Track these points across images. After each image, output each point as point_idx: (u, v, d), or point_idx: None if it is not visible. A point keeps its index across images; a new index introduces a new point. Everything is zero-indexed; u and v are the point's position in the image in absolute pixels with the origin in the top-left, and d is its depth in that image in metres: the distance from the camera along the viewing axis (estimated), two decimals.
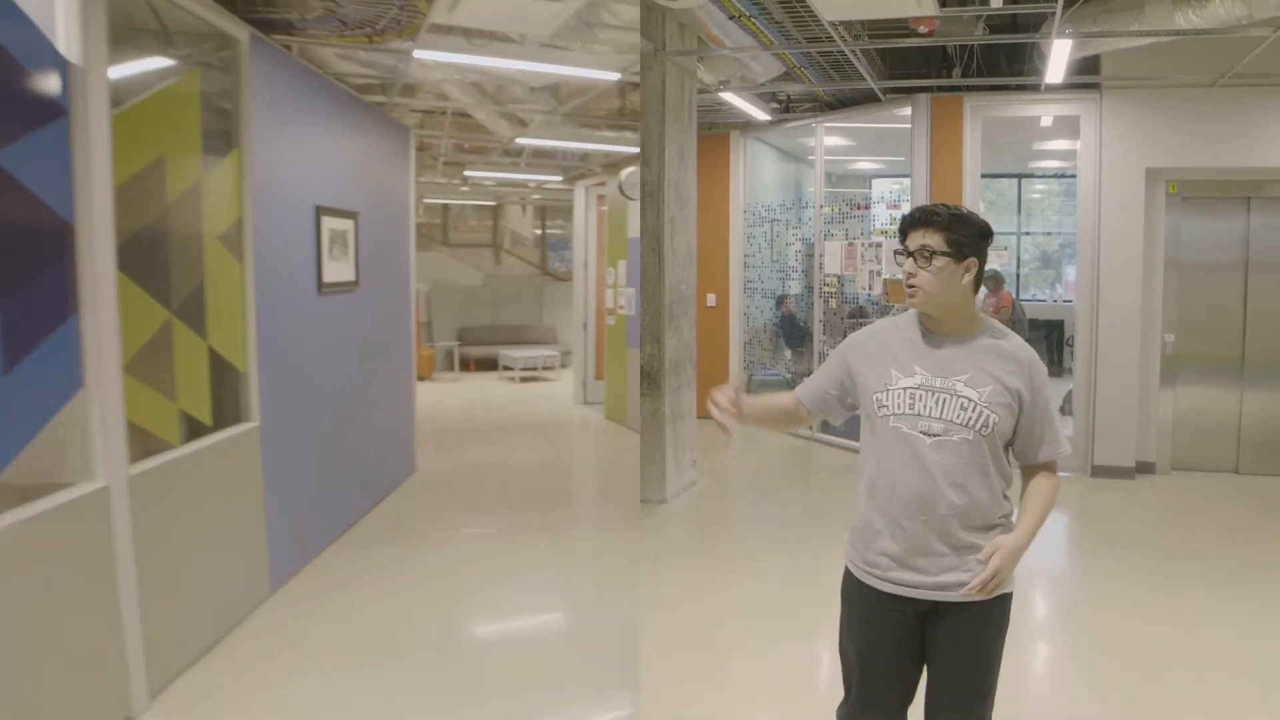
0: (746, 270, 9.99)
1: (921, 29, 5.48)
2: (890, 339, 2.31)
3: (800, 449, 8.55)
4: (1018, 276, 13.34)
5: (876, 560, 2.25)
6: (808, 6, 5.24)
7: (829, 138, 9.23)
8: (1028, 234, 13.72)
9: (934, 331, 2.26)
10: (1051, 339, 12.26)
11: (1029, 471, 2.31)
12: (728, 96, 7.82)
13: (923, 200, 7.60)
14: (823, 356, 8.90)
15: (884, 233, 8.50)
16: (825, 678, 3.82)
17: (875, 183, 12.16)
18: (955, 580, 2.18)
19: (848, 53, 6.17)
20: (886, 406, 2.22)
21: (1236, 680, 3.77)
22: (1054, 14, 5.21)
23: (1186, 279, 7.32)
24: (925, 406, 2.19)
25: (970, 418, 2.17)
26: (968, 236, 2.20)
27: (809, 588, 4.82)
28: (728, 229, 9.73)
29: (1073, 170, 10.96)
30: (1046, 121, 8.42)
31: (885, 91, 7.59)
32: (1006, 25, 6.71)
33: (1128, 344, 7.19)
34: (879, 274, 8.45)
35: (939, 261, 2.19)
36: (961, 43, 6.86)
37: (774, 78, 7.61)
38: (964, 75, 7.38)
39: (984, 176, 8.27)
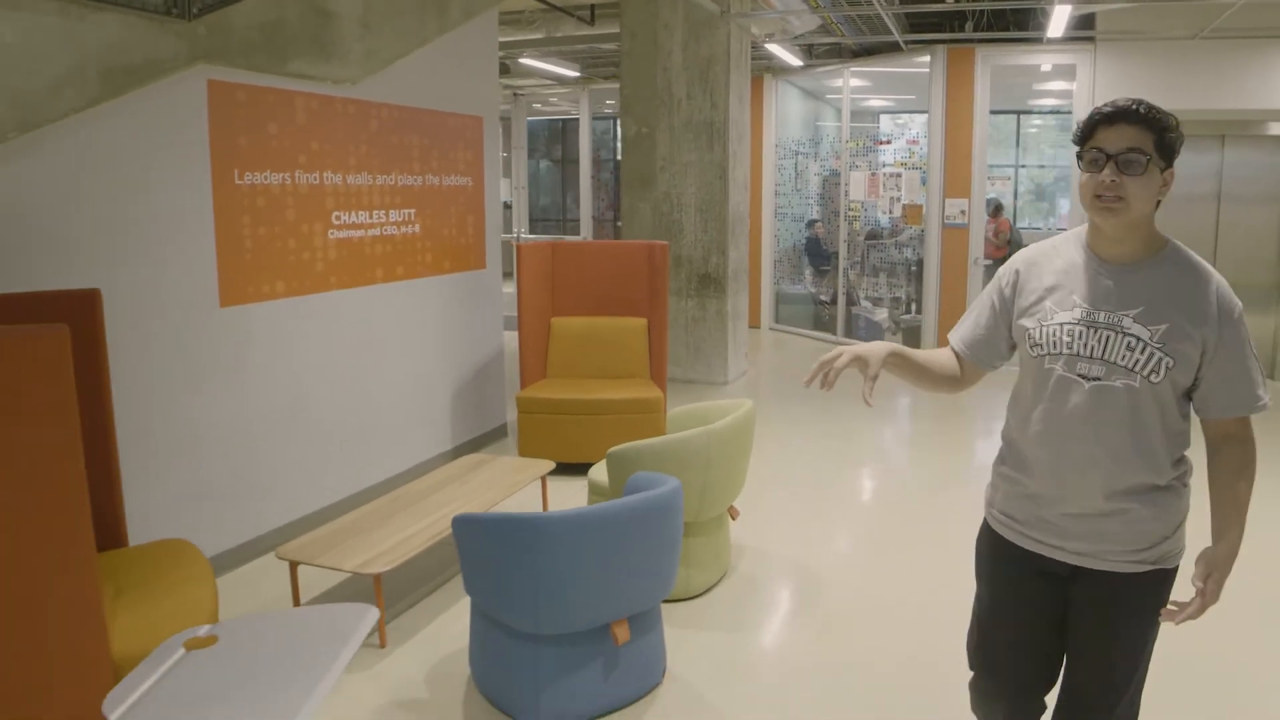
0: (777, 198, 11.13)
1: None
2: (1047, 264, 1.97)
3: (826, 350, 9.82)
4: (1015, 206, 14.50)
5: (1020, 515, 2.00)
6: None
7: (840, 80, 10.32)
8: (1024, 167, 14.84)
9: (1102, 255, 1.90)
10: None
11: (1212, 429, 1.91)
12: (771, 47, 8.90)
13: (940, 138, 8.77)
14: (845, 274, 10.17)
15: (903, 164, 9.67)
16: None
17: (882, 118, 13.30)
18: (1103, 548, 1.91)
19: (884, 15, 7.25)
20: (1040, 345, 1.92)
21: None
22: None
23: (1166, 208, 8.45)
24: (1086, 345, 1.87)
25: (1137, 360, 1.83)
26: (1177, 140, 1.83)
27: (833, 436, 6.55)
28: (761, 161, 10.83)
29: (1067, 107, 12.10)
30: (1046, 68, 9.52)
31: (907, 43, 8.68)
32: None
33: None
34: (899, 200, 9.67)
35: (1150, 168, 1.80)
36: (976, 8, 7.95)
37: (811, 30, 8.72)
38: (976, 29, 8.48)
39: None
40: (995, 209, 11.02)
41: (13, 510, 2.13)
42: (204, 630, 2.09)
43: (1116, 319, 1.85)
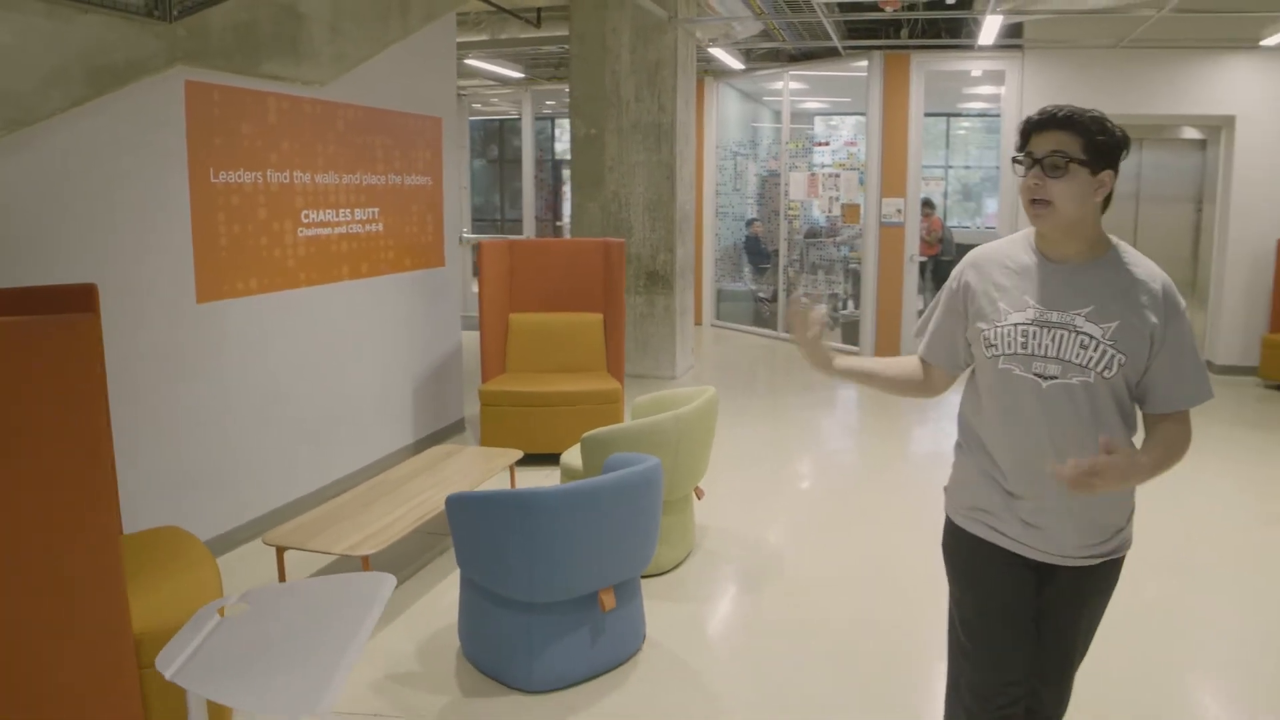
0: (718, 197, 11.41)
1: (887, 8, 6.91)
2: (998, 266, 2.02)
3: (766, 346, 10.16)
4: (945, 205, 15.03)
5: (985, 512, 2.04)
6: None
7: (779, 83, 10.63)
8: (952, 167, 15.39)
9: (1051, 256, 1.96)
10: None
11: (1155, 421, 1.97)
12: (714, 50, 9.17)
13: (877, 140, 9.13)
14: (786, 271, 10.49)
15: (841, 165, 10.02)
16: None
17: (816, 120, 13.71)
18: (1067, 544, 1.97)
19: (825, 22, 7.55)
20: (995, 345, 1.96)
21: None
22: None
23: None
24: (1040, 345, 1.92)
25: (1091, 357, 1.88)
26: (1108, 145, 1.89)
27: (779, 424, 6.83)
28: (702, 161, 11.10)
29: (994, 110, 12.61)
30: (977, 73, 9.95)
31: (845, 49, 9.02)
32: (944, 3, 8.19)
33: None
34: (838, 199, 10.02)
35: (1074, 171, 1.87)
36: (912, 17, 8.32)
37: (753, 35, 9.01)
38: (911, 37, 8.86)
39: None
40: (926, 207, 11.46)
41: (45, 491, 2.25)
42: (234, 599, 2.24)
43: (1069, 318, 1.91)
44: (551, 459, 5.32)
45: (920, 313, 9.21)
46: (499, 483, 5.08)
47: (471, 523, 3.02)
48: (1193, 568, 4.20)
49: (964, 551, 2.11)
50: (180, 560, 2.99)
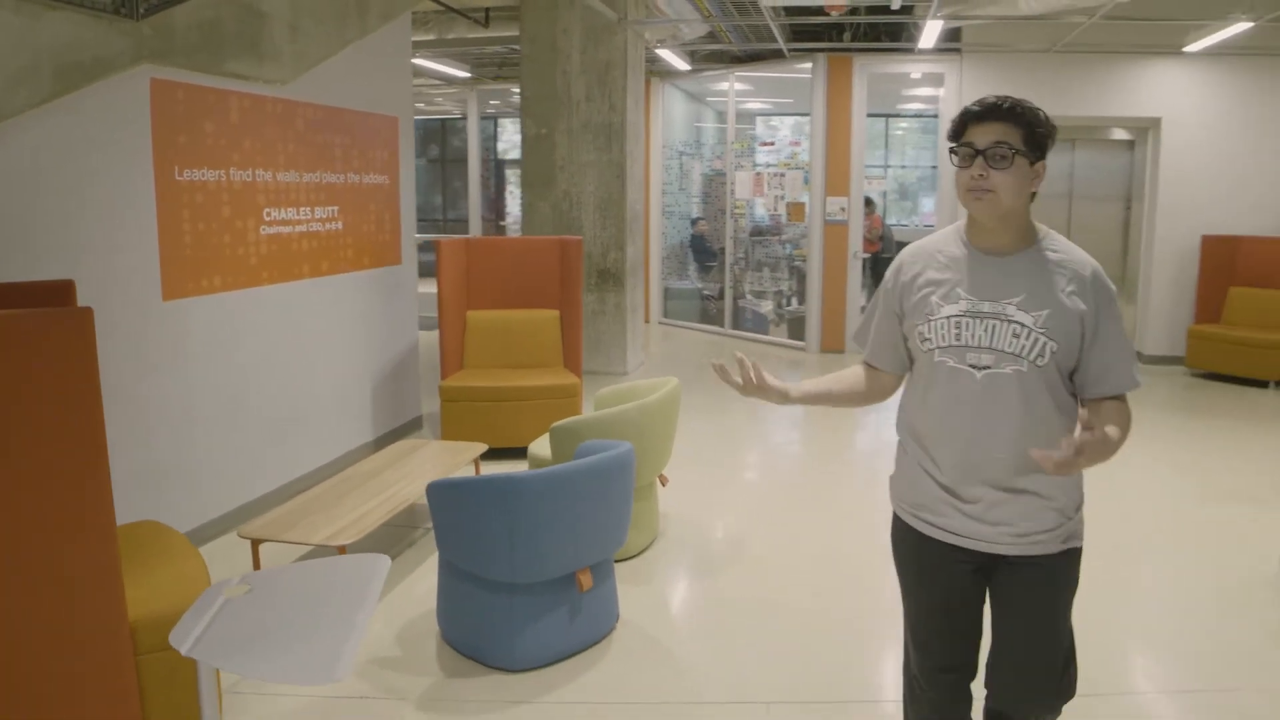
0: (664, 196, 11.57)
1: (832, 12, 7.12)
2: (929, 261, 2.04)
3: (713, 342, 10.35)
4: (884, 203, 15.39)
5: (927, 505, 2.05)
6: None
7: (726, 84, 10.83)
8: (890, 167, 15.76)
9: (981, 247, 1.98)
10: None
11: (1097, 404, 1.97)
12: (661, 52, 9.32)
13: (821, 140, 9.37)
14: (732, 269, 10.69)
15: (786, 165, 10.25)
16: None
17: (757, 120, 13.96)
18: (1015, 531, 1.97)
19: (772, 25, 7.75)
20: (930, 339, 1.98)
21: None
22: (930, 4, 6.95)
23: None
24: (973, 335, 1.93)
25: (1024, 346, 1.90)
26: (1044, 135, 1.92)
27: (726, 413, 6.94)
28: (649, 161, 11.24)
29: (932, 111, 12.96)
30: (916, 75, 10.25)
31: (790, 51, 9.24)
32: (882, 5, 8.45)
33: None
34: (782, 198, 10.24)
35: (1017, 161, 1.89)
36: (855, 21, 8.57)
37: (700, 37, 9.18)
38: (854, 40, 9.11)
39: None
40: (866, 205, 11.75)
41: (43, 484, 2.31)
42: (236, 581, 2.31)
43: (1001, 308, 1.92)
44: (512, 453, 5.43)
45: (863, 309, 9.44)
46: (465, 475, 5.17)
47: (454, 508, 3.11)
48: (1130, 544, 4.44)
49: (907, 546, 2.13)
50: (165, 552, 3.04)
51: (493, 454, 5.37)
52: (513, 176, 17.46)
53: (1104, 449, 1.80)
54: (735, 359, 2.06)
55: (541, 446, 4.37)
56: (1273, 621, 3.70)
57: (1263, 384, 8.04)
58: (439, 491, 3.15)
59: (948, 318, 1.96)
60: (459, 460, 4.72)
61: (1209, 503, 5.17)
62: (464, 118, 15.61)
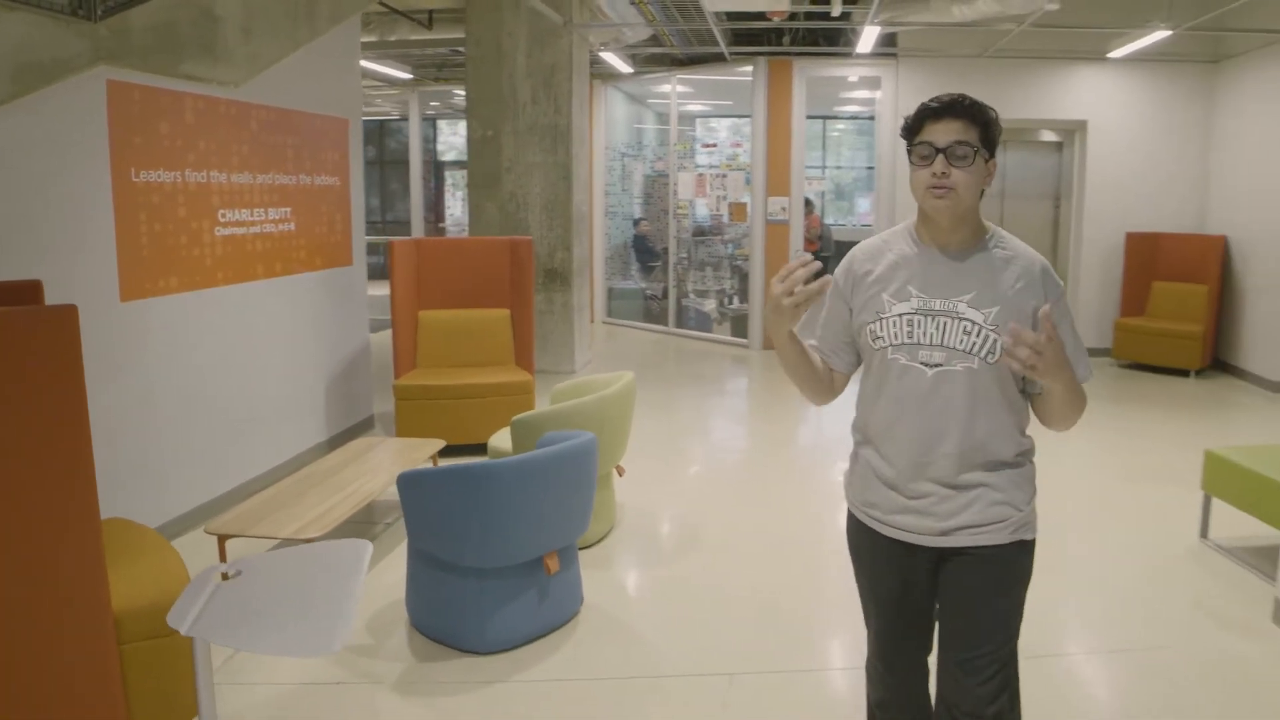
0: (607, 197, 11.71)
1: (774, 18, 7.34)
2: (880, 259, 2.05)
3: (657, 341, 10.53)
4: (822, 203, 15.73)
5: (878, 502, 2.06)
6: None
7: (667, 86, 11.01)
8: (827, 167, 16.11)
9: (932, 245, 2.00)
10: None
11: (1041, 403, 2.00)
12: (604, 55, 9.46)
13: (762, 142, 9.59)
14: (675, 268, 10.87)
15: (729, 166, 10.47)
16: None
17: (697, 122, 14.18)
18: (963, 523, 1.98)
19: (715, 30, 7.94)
20: (882, 337, 1.99)
21: None
22: (867, 11, 7.21)
23: None
24: (925, 333, 1.95)
25: (974, 343, 1.92)
26: (996, 134, 1.95)
27: (674, 409, 7.15)
28: (592, 162, 11.38)
29: (866, 113, 13.30)
30: (854, 79, 10.54)
31: (731, 55, 9.45)
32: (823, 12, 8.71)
33: None
34: (725, 199, 10.46)
35: (975, 159, 1.91)
36: (795, 26, 8.81)
37: (642, 40, 9.34)
38: (793, 44, 9.35)
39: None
40: (805, 205, 12.02)
41: (30, 476, 2.36)
42: (224, 567, 2.39)
43: (951, 305, 1.93)
44: (467, 449, 5.52)
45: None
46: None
47: (426, 497, 3.21)
48: (1064, 520, 4.69)
49: (860, 543, 2.15)
50: (140, 547, 3.09)
51: (448, 450, 5.45)
52: (451, 178, 17.44)
53: (1063, 364, 1.80)
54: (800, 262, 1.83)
55: (502, 439, 4.48)
56: (1192, 589, 3.99)
57: (1184, 373, 8.46)
58: (411, 482, 3.25)
59: (899, 315, 1.97)
60: (418, 456, 4.80)
61: (1135, 483, 5.48)
62: (401, 119, 15.59)
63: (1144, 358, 8.71)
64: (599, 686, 3.14)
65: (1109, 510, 4.96)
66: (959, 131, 1.91)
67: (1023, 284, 1.95)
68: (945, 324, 1.94)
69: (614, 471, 4.50)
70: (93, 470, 2.50)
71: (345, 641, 1.97)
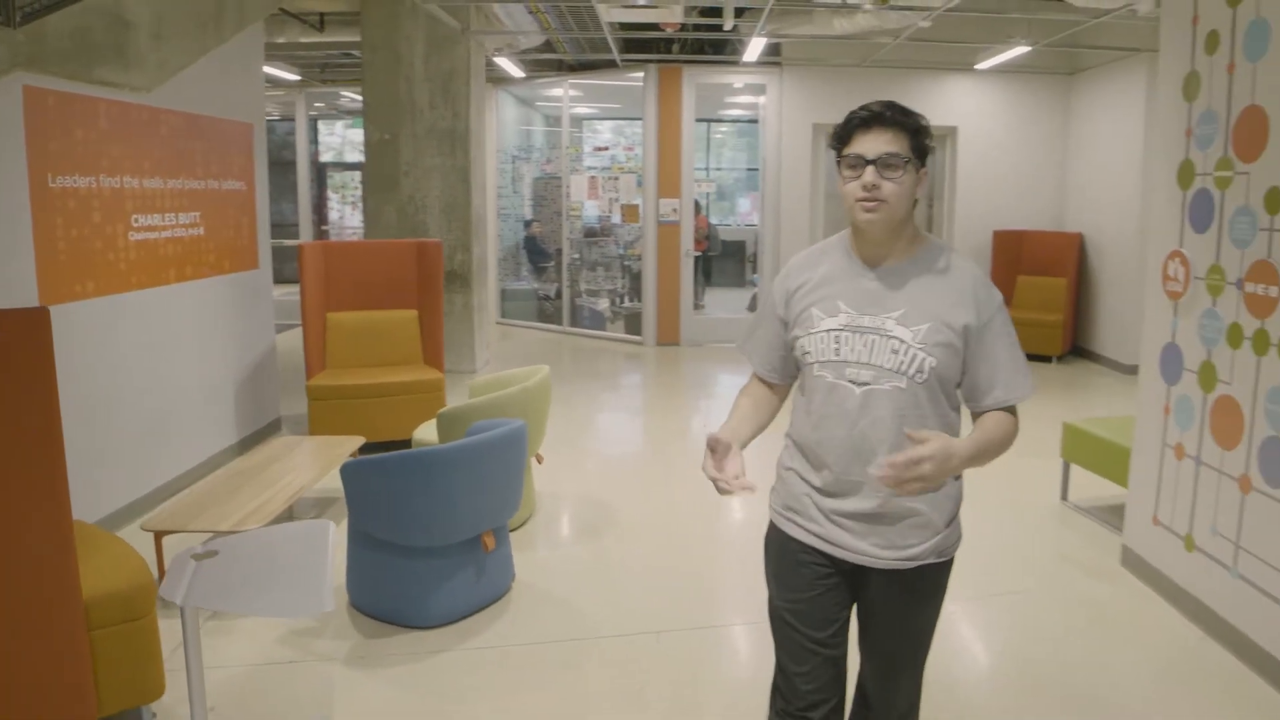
0: (500, 200, 11.90)
1: (668, 30, 7.70)
2: (813, 272, 2.00)
3: (551, 340, 10.79)
4: (707, 204, 16.23)
5: (800, 513, 2.02)
6: (589, 5, 7.24)
7: (559, 90, 11.29)
8: (710, 169, 16.63)
9: (865, 259, 1.95)
10: (739, 255, 15.28)
11: (979, 417, 1.95)
12: (498, 60, 9.66)
13: (654, 145, 9.96)
14: (569, 269, 11.16)
15: (620, 169, 10.80)
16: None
17: (584, 125, 14.49)
18: (884, 540, 1.94)
19: (608, 37, 8.25)
20: (810, 353, 1.95)
21: None
22: (754, 23, 7.64)
23: (837, 205, 10.25)
24: (853, 350, 1.90)
25: (902, 362, 1.87)
26: (927, 144, 1.91)
27: (573, 403, 7.38)
28: (485, 165, 11.54)
29: (748, 116, 13.83)
30: (738, 85, 11.01)
31: (623, 61, 9.78)
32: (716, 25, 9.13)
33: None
34: (617, 200, 10.79)
35: (906, 170, 1.86)
36: (684, 37, 9.21)
37: (536, 46, 9.58)
38: (682, 52, 9.75)
39: None
40: (696, 208, 12.45)
41: (4, 470, 2.48)
42: (201, 548, 2.57)
43: (880, 322, 1.88)
44: (380, 447, 5.67)
45: (698, 306, 10.03)
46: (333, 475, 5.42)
47: (371, 483, 3.42)
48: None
49: (777, 550, 2.09)
50: (94, 540, 3.19)
51: (366, 448, 5.60)
52: (334, 181, 17.23)
53: (946, 461, 1.70)
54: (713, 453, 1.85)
55: (426, 432, 4.68)
56: (1054, 542, 4.56)
57: (1047, 359, 9.22)
58: (357, 469, 3.45)
59: (827, 331, 1.93)
60: (340, 453, 4.95)
61: (1007, 456, 6.02)
62: (283, 120, 15.37)
63: None
64: (540, 649, 3.41)
65: (982, 478, 5.40)
66: (889, 141, 1.86)
67: (955, 299, 1.89)
68: (873, 341, 1.89)
69: (533, 460, 4.76)
70: (64, 466, 2.63)
71: (332, 605, 2.19)
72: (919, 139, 1.88)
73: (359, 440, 5.19)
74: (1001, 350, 1.90)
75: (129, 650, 2.86)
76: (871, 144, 1.86)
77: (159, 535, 3.87)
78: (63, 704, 2.69)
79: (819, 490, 1.98)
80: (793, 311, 2.02)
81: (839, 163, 1.93)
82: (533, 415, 4.52)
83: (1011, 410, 1.93)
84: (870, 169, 1.85)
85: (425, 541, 3.40)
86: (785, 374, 2.11)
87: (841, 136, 1.93)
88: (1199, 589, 3.65)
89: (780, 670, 2.10)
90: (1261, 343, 3.31)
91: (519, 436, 3.64)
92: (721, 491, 1.81)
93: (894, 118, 1.87)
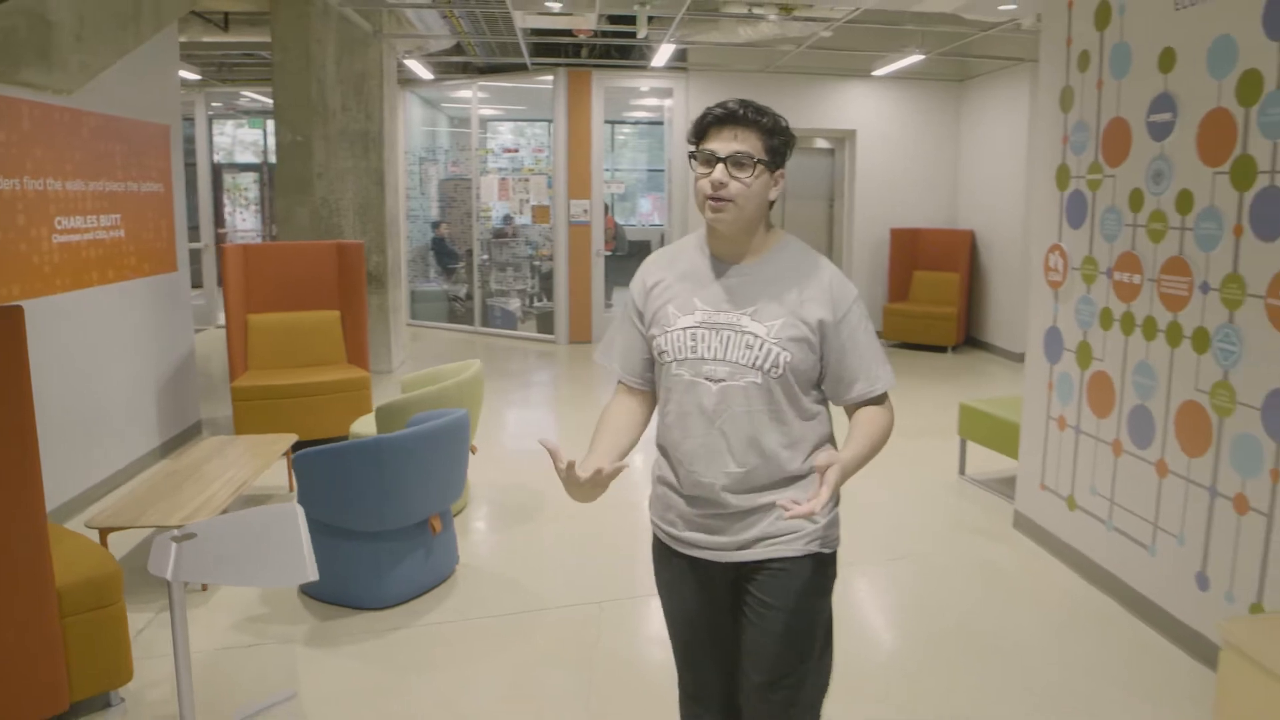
0: (408, 201, 11.95)
1: (581, 36, 7.95)
2: (670, 270, 1.99)
3: (463, 339, 10.92)
4: (612, 204, 16.52)
5: (674, 520, 2.00)
6: (504, 11, 7.43)
7: (466, 92, 11.41)
8: (613, 170, 16.92)
9: (721, 257, 1.94)
10: (644, 255, 15.61)
11: (852, 411, 1.97)
12: (407, 62, 9.76)
13: (563, 147, 10.18)
14: (481, 270, 11.29)
15: (531, 170, 11.00)
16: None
17: (490, 125, 14.60)
18: (755, 537, 1.92)
19: (520, 41, 8.45)
20: (667, 351, 1.93)
21: None
22: (663, 30, 7.95)
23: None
24: (709, 347, 1.89)
25: (757, 357, 1.86)
26: (784, 144, 1.88)
27: (490, 398, 7.58)
28: (398, 167, 11.58)
29: (652, 119, 14.16)
30: (644, 88, 11.32)
31: (533, 64, 9.98)
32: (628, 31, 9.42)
33: None
34: (528, 202, 10.98)
35: (758, 170, 1.84)
36: (594, 42, 9.46)
37: (446, 49, 9.72)
38: (590, 57, 10.00)
39: None
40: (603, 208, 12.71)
41: None
42: (178, 532, 2.71)
43: (735, 318, 1.88)
44: (310, 445, 5.77)
45: (609, 305, 10.30)
46: (278, 466, 5.49)
47: (324, 471, 3.57)
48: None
49: (657, 557, 2.10)
50: (56, 535, 3.27)
51: (297, 446, 5.70)
52: (274, 181, 16.87)
53: (845, 476, 1.78)
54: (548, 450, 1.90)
55: (363, 425, 4.83)
56: (952, 511, 5.00)
57: (943, 349, 9.81)
58: (311, 458, 3.60)
59: (684, 329, 1.91)
60: (275, 450, 5.05)
61: (906, 438, 6.40)
62: (184, 120, 15.04)
63: (909, 337, 10.00)
64: (491, 622, 3.63)
65: (885, 457, 5.81)
66: (740, 141, 1.84)
67: (810, 294, 1.90)
68: (729, 338, 1.88)
69: (469, 450, 4.96)
70: (38, 461, 2.74)
71: (316, 573, 2.36)
72: (774, 139, 1.87)
73: (292, 438, 5.29)
74: (860, 343, 1.92)
75: (99, 636, 2.97)
76: (723, 142, 1.85)
77: (104, 532, 3.93)
78: (36, 689, 2.80)
79: (685, 494, 1.97)
80: (650, 309, 2.00)
81: (692, 157, 1.92)
82: (469, 407, 4.72)
83: (879, 401, 1.98)
84: (721, 166, 1.85)
85: (379, 525, 3.58)
86: (645, 377, 2.08)
87: (697, 132, 1.91)
88: (1081, 543, 4.09)
89: (679, 673, 2.14)
90: (1128, 324, 3.75)
91: (463, 424, 3.84)
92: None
93: (748, 116, 1.86)
